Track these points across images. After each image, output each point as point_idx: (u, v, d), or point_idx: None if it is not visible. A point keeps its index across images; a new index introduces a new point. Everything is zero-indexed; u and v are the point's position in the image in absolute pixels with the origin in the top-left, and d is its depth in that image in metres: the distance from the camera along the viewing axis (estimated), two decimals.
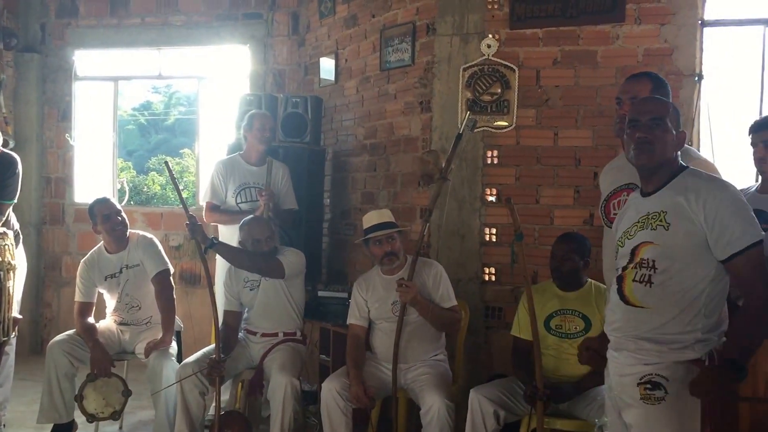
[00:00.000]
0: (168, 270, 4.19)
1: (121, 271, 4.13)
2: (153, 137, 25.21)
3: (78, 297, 4.15)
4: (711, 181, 2.28)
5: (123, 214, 4.16)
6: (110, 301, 4.23)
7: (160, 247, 4.24)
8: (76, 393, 3.84)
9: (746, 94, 4.01)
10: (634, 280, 2.32)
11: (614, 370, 2.41)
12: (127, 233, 4.17)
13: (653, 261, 2.27)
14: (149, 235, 4.27)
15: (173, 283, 4.24)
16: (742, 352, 2.18)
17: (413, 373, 3.55)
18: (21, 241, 4.09)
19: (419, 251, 3.49)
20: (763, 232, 2.26)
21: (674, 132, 2.35)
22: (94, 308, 4.19)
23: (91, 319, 4.09)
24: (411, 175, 4.48)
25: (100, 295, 4.24)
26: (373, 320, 3.70)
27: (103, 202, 4.14)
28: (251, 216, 4.05)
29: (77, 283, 4.17)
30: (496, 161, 4.13)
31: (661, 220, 2.28)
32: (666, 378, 2.22)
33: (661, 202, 2.30)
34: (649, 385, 2.23)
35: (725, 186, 2.27)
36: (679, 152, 2.40)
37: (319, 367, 4.58)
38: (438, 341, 3.68)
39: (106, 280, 4.14)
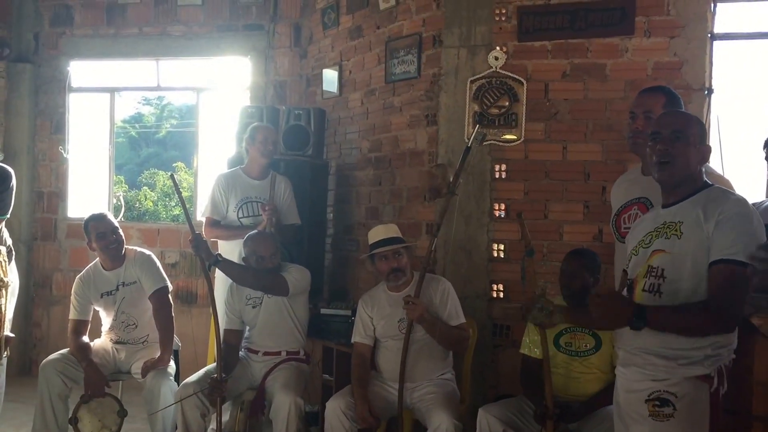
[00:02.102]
0: (166, 287, 4.25)
1: (117, 289, 4.19)
2: (144, 150, 25.33)
3: (72, 315, 4.21)
4: (734, 198, 2.37)
5: (119, 231, 4.22)
6: (106, 320, 4.28)
7: (159, 264, 4.32)
8: (71, 415, 3.89)
9: (757, 108, 4.12)
10: (643, 290, 2.41)
11: (622, 385, 2.49)
12: (123, 250, 4.24)
13: (662, 270, 2.37)
14: (147, 252, 4.34)
15: (171, 301, 4.31)
16: (657, 317, 2.28)
17: (420, 393, 3.62)
18: (14, 257, 4.16)
19: (426, 267, 3.58)
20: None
21: (698, 146, 2.43)
22: (89, 326, 4.25)
23: (85, 338, 4.15)
24: (417, 189, 4.58)
25: (96, 312, 4.30)
26: (378, 338, 3.78)
27: (98, 219, 4.21)
28: (256, 231, 4.14)
29: (72, 300, 4.24)
30: (504, 175, 4.23)
31: (675, 230, 2.38)
32: (674, 395, 2.29)
33: (680, 213, 2.40)
34: (657, 402, 2.30)
35: (743, 204, 2.35)
36: (703, 167, 2.49)
37: (322, 388, 4.65)
38: (445, 360, 3.75)
39: (102, 297, 4.20)
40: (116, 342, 4.23)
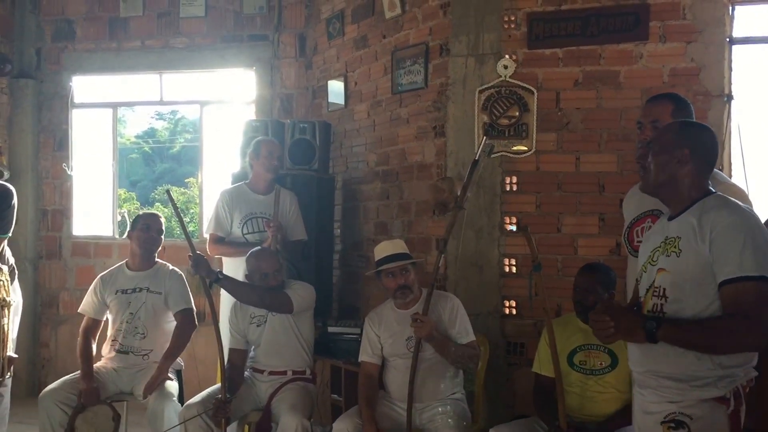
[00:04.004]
0: (192, 309, 4.33)
1: (134, 290, 4.26)
2: (158, 166, 25.53)
3: (85, 309, 4.32)
4: (726, 207, 2.32)
5: (162, 237, 4.40)
6: (112, 323, 4.30)
7: (188, 286, 4.40)
8: (66, 428, 3.93)
9: None
10: (648, 311, 2.39)
11: (639, 406, 2.48)
12: (155, 255, 4.38)
13: (664, 289, 2.34)
14: (180, 272, 4.42)
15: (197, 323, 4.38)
16: (671, 330, 2.24)
17: (429, 413, 3.60)
18: (17, 276, 4.21)
19: (435, 284, 3.57)
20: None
21: (672, 152, 2.39)
22: (100, 329, 4.35)
23: (93, 345, 4.26)
24: (426, 203, 4.56)
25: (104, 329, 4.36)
26: (386, 357, 3.76)
27: (152, 216, 4.44)
28: (258, 248, 4.16)
29: (88, 295, 4.34)
30: (515, 188, 4.21)
31: (674, 247, 2.35)
32: (690, 417, 2.27)
33: (679, 227, 2.37)
34: (672, 424, 2.28)
35: (738, 212, 2.30)
36: (697, 175, 2.41)
37: (331, 408, 4.64)
38: (455, 379, 3.73)
39: (116, 293, 4.27)
40: (119, 350, 4.23)
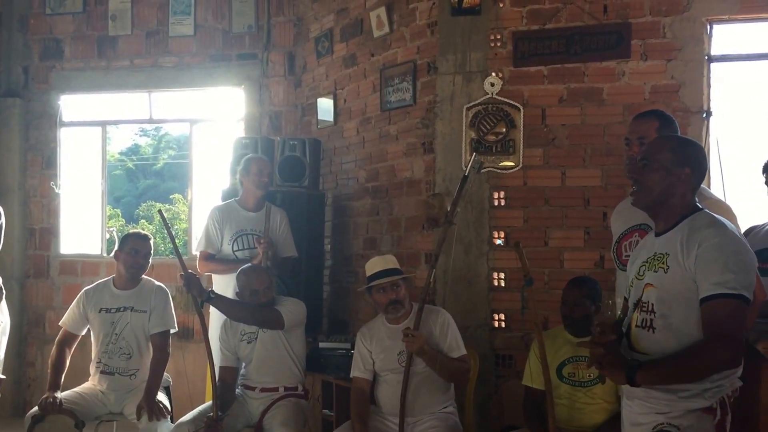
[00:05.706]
0: (169, 332, 4.23)
1: (118, 310, 4.16)
2: (141, 182, 25.49)
3: (65, 321, 4.22)
4: (713, 226, 2.35)
5: (149, 260, 4.26)
6: (95, 341, 4.22)
7: (172, 304, 4.32)
8: None
9: (756, 130, 4.16)
10: (636, 326, 2.43)
11: (627, 418, 2.51)
12: (141, 277, 4.27)
13: (653, 305, 2.38)
14: (165, 288, 4.34)
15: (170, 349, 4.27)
16: (649, 375, 2.29)
17: (421, 427, 3.61)
18: (3, 296, 4.17)
19: (425, 298, 3.60)
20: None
21: (670, 170, 2.41)
22: (77, 342, 4.27)
23: (68, 358, 4.18)
24: (415, 218, 4.62)
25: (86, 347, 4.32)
26: (378, 372, 3.77)
27: (141, 238, 4.27)
28: (249, 265, 4.17)
29: (71, 308, 4.24)
30: (502, 203, 4.28)
31: (663, 263, 2.38)
32: (677, 427, 2.30)
33: (667, 244, 2.40)
34: None
35: (725, 232, 2.33)
36: (687, 192, 2.45)
37: (322, 423, 4.65)
38: (447, 392, 3.74)
39: (99, 312, 4.17)
40: (104, 372, 4.15)
